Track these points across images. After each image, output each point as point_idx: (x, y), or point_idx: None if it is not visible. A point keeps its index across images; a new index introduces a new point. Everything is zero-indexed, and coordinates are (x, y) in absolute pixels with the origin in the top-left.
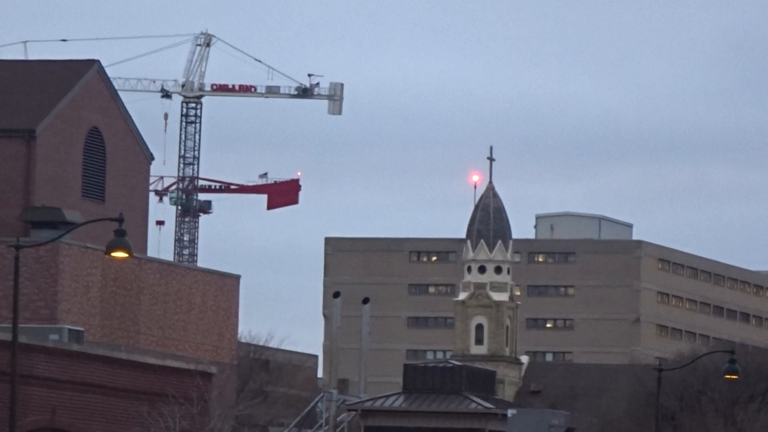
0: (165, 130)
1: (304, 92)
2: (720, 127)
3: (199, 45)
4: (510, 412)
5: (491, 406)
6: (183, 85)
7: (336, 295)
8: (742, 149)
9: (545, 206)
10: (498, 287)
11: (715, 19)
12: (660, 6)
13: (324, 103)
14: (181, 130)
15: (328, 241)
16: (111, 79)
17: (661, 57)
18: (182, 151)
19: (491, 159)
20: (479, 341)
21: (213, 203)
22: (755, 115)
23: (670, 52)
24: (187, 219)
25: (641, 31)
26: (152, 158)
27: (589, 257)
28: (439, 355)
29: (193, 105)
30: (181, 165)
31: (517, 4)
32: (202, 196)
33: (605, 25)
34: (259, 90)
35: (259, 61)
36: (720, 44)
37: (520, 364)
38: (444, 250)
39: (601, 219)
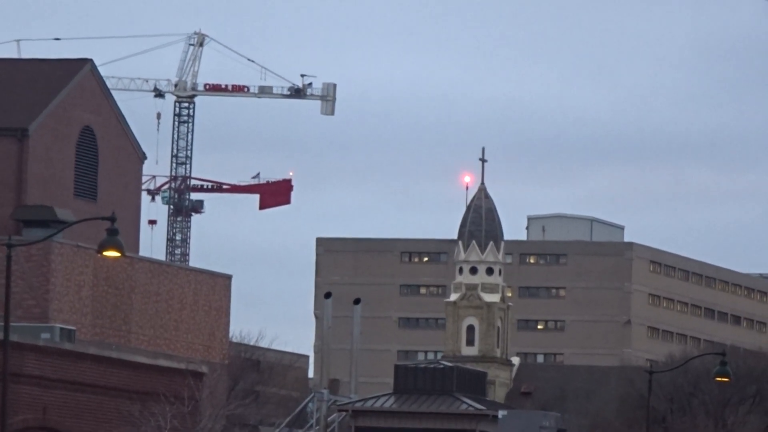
0: (158, 130)
1: (297, 92)
2: (702, 130)
3: (192, 45)
4: (501, 413)
5: (482, 408)
6: (176, 85)
7: (327, 295)
8: (728, 152)
9: (537, 207)
10: (489, 288)
11: (693, 23)
12: (640, 10)
13: (317, 104)
14: (173, 129)
15: (320, 242)
16: (104, 78)
17: (645, 60)
18: (175, 151)
19: (483, 160)
20: (470, 342)
21: (205, 203)
22: (736, 117)
23: (652, 55)
24: (179, 218)
25: (628, 34)
26: (145, 157)
27: (580, 259)
28: (430, 356)
29: (186, 104)
30: (174, 164)
31: (507, 9)
32: (195, 196)
33: (593, 29)
34: (251, 90)
35: (252, 61)
36: (697, 48)
37: (511, 365)
38: (435, 251)
39: (592, 221)
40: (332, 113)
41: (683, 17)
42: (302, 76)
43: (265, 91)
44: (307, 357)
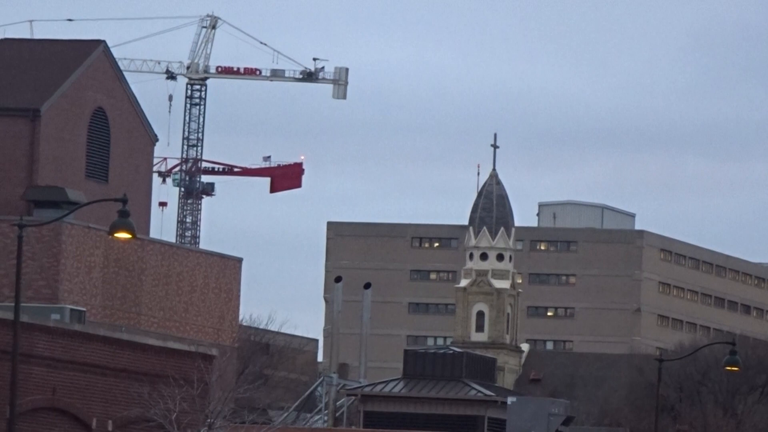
0: (169, 112)
1: (309, 76)
2: (709, 120)
3: (205, 27)
4: (509, 399)
5: (491, 394)
6: (188, 67)
7: (337, 279)
8: (736, 141)
9: (548, 194)
10: (499, 274)
11: (693, 14)
12: (643, 1)
13: (329, 88)
14: (185, 111)
15: (330, 226)
16: (116, 60)
17: (644, 50)
18: (186, 133)
19: (495, 146)
20: (480, 328)
21: (216, 185)
22: (740, 107)
23: (652, 45)
24: (190, 201)
25: (632, 26)
26: (156, 139)
27: (591, 246)
28: (440, 342)
29: (198, 87)
30: (185, 147)
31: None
32: (206, 178)
33: (600, 22)
34: (264, 73)
35: (265, 44)
36: (696, 38)
37: (521, 351)
38: (446, 236)
39: (603, 208)
40: (344, 97)
41: (684, 8)
42: (314, 59)
43: (277, 75)
44: (316, 341)
